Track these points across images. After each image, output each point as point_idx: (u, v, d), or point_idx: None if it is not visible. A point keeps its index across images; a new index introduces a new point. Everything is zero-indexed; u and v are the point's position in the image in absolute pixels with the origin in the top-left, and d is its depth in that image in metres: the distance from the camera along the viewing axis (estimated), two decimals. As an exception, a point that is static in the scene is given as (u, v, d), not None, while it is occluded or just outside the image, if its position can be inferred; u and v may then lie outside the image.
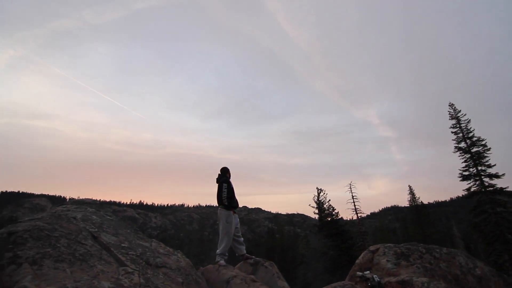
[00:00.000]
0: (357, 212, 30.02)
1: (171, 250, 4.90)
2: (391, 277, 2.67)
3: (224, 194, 5.14)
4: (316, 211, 33.85)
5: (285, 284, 5.30)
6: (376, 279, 2.55)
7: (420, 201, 35.94)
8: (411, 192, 36.44)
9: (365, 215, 32.55)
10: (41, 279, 2.80)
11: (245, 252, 5.49)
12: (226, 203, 5.17)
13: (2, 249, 3.06)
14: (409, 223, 37.47)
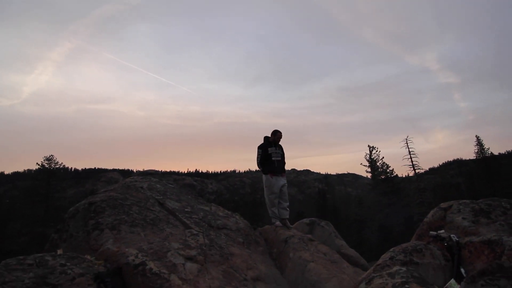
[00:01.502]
0: (415, 168, 28.21)
1: (229, 212, 5.15)
2: (472, 236, 2.39)
3: (258, 160, 5.25)
4: (369, 169, 32.73)
5: (343, 242, 5.28)
6: (454, 238, 2.30)
7: (489, 152, 32.15)
8: (479, 143, 32.59)
9: (423, 170, 30.48)
10: (121, 242, 3.15)
11: (286, 217, 5.31)
12: (260, 168, 5.29)
13: (86, 217, 3.49)
14: (476, 177, 34.07)
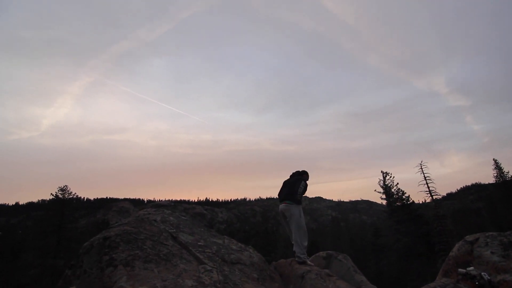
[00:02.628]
0: (432, 193, 27.15)
1: (242, 246, 5.02)
2: (505, 275, 2.23)
3: (300, 190, 5.07)
4: (383, 196, 31.68)
5: (363, 277, 5.00)
6: (486, 277, 2.14)
7: (509, 175, 30.88)
8: (497, 166, 31.51)
9: (440, 196, 29.23)
10: (134, 279, 3.09)
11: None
12: (299, 199, 5.08)
13: (100, 253, 3.47)
14: (497, 202, 32.46)
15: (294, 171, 5.61)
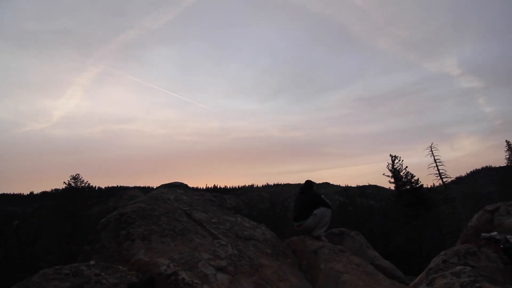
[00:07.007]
0: (442, 176, 26.88)
1: (254, 223, 5.06)
2: (530, 238, 2.18)
3: (327, 200, 5.26)
4: (392, 180, 31.49)
5: (376, 253, 5.02)
6: (511, 239, 2.10)
7: (523, 157, 30.25)
8: (510, 149, 30.85)
9: (450, 180, 28.90)
10: (152, 252, 3.14)
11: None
12: (330, 204, 5.29)
13: (117, 228, 3.53)
14: (508, 185, 31.95)
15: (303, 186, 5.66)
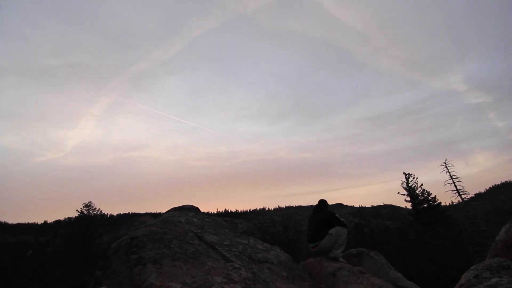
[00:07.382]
0: (460, 193, 25.76)
1: (268, 245, 4.88)
2: None
3: (342, 219, 5.23)
4: (408, 198, 30.44)
5: (398, 274, 4.73)
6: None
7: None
8: (530, 162, 29.67)
9: (469, 196, 27.64)
10: (164, 276, 3.04)
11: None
12: (345, 223, 5.25)
13: (128, 252, 3.46)
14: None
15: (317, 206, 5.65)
